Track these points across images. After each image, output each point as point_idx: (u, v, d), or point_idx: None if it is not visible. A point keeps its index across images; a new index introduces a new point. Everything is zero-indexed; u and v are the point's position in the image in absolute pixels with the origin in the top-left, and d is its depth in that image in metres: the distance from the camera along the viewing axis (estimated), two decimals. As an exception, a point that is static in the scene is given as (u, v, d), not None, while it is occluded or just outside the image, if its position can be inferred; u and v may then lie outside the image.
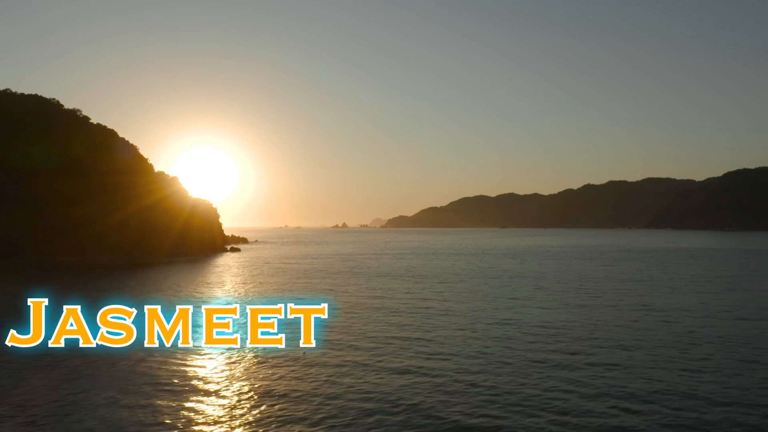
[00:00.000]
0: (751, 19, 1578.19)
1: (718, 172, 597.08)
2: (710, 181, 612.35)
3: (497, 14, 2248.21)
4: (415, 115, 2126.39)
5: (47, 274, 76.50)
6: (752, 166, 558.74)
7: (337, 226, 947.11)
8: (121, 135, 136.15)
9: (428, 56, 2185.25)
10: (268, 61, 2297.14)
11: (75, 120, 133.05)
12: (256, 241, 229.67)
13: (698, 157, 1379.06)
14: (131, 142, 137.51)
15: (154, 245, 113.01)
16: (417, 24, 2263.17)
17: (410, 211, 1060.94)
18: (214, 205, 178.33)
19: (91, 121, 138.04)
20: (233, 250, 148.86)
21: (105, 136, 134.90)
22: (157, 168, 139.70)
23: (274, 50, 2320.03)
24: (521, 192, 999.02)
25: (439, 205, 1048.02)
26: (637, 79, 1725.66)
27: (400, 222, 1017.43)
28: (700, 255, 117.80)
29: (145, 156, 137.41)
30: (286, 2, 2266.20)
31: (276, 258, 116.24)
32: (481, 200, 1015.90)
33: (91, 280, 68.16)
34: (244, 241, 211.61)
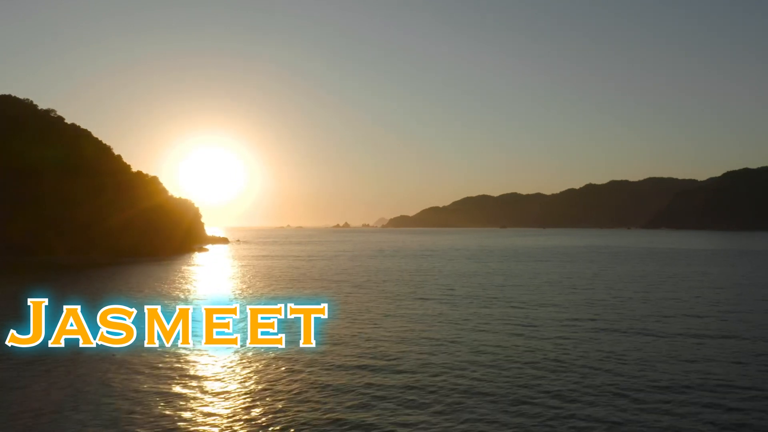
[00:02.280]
0: (751, 19, 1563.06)
1: (720, 172, 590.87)
2: (711, 181, 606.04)
3: (500, 13, 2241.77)
4: (419, 115, 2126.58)
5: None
6: (754, 166, 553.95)
7: (338, 225, 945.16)
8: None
9: (431, 56, 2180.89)
10: (273, 61, 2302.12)
11: (48, 120, 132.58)
12: (238, 240, 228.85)
13: (700, 156, 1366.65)
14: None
15: (126, 245, 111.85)
16: (420, 23, 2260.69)
17: (413, 211, 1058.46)
18: (196, 205, 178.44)
19: (65, 121, 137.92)
20: (200, 250, 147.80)
21: (78, 136, 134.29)
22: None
23: (278, 50, 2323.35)
24: (524, 192, 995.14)
25: (441, 205, 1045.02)
26: (640, 78, 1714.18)
27: (401, 222, 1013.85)
28: (665, 255, 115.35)
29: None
30: (289, 2, 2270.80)
31: (231, 258, 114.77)
32: (483, 200, 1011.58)
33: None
34: (224, 241, 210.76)
